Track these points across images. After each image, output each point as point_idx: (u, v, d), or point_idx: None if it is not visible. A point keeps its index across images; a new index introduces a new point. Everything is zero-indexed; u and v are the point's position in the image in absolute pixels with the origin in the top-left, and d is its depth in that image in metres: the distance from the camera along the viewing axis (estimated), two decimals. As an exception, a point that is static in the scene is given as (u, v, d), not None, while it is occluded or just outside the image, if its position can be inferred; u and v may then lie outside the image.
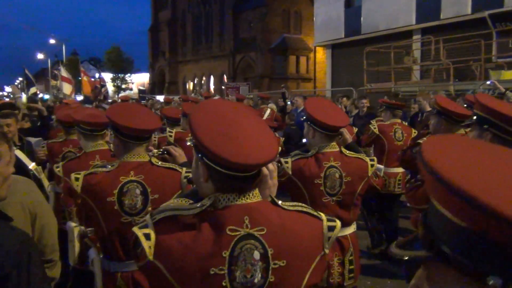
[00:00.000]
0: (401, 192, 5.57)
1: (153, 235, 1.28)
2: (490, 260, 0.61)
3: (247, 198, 1.33)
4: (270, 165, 1.52)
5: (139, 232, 1.29)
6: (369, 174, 2.92)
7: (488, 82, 9.69)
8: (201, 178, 1.36)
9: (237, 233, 1.28)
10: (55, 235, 2.52)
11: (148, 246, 1.27)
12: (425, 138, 3.59)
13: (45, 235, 2.40)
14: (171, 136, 4.94)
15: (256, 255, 1.28)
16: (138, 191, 2.36)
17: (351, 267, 2.93)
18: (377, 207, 5.66)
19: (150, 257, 1.26)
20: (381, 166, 4.70)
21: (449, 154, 0.71)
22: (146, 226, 1.30)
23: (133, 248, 1.32)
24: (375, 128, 5.47)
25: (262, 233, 1.30)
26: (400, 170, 5.48)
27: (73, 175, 2.36)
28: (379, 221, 5.71)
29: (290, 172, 2.82)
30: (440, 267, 0.69)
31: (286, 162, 2.84)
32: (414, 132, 5.71)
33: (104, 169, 2.37)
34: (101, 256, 2.49)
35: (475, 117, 2.42)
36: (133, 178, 2.36)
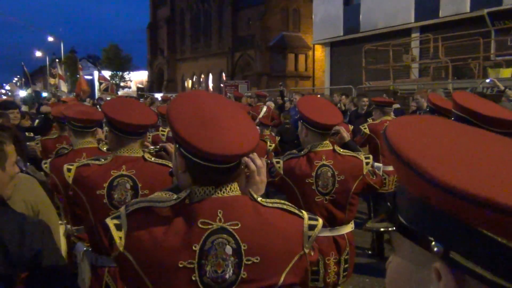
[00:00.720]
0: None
1: (124, 226, 1.26)
2: (434, 228, 0.63)
3: (223, 192, 1.30)
4: (258, 162, 1.50)
5: (110, 223, 1.27)
6: (364, 172, 2.87)
7: (488, 80, 9.69)
8: (179, 169, 1.34)
9: (209, 226, 1.25)
10: (57, 232, 2.55)
11: (118, 237, 1.25)
12: None
13: None
14: (163, 135, 4.93)
15: (228, 249, 1.25)
16: (128, 186, 2.35)
17: (346, 265, 2.92)
18: (375, 205, 5.64)
19: (121, 248, 1.25)
20: (379, 165, 4.68)
21: (409, 128, 0.74)
22: (118, 217, 1.28)
23: (109, 239, 1.30)
24: (365, 128, 5.45)
25: (235, 227, 1.26)
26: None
27: (65, 166, 2.35)
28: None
29: (282, 172, 2.80)
30: (400, 238, 0.71)
31: (278, 162, 2.82)
32: None
33: (97, 162, 2.36)
34: (90, 250, 2.48)
35: (453, 118, 2.39)
36: (124, 173, 2.35)
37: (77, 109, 3.25)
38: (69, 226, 2.87)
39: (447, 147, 0.68)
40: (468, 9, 15.71)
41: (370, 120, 5.81)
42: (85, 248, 2.52)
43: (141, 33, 64.89)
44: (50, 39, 45.68)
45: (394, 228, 0.72)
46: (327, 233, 2.83)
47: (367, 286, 4.82)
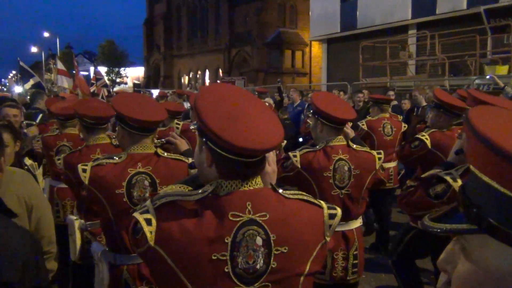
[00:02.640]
0: (393, 187, 5.59)
1: (154, 221, 1.26)
2: None
3: (249, 185, 1.31)
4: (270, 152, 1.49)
5: (140, 217, 1.27)
6: (377, 167, 2.92)
7: (488, 77, 9.72)
8: (204, 163, 1.34)
9: (240, 218, 1.26)
10: (51, 227, 2.51)
11: (149, 231, 1.25)
12: (423, 133, 3.60)
13: (41, 227, 2.40)
14: (178, 128, 4.95)
15: (259, 240, 1.27)
16: (147, 183, 2.35)
17: (355, 261, 2.91)
18: (370, 201, 5.67)
19: (151, 243, 1.25)
20: None
21: (497, 121, 0.69)
22: (147, 212, 1.28)
23: (132, 234, 1.30)
24: (363, 125, 5.45)
25: (264, 219, 1.28)
26: (392, 164, 5.49)
27: (80, 167, 2.33)
28: (375, 214, 5.75)
29: (299, 166, 2.80)
30: (483, 240, 0.67)
31: (295, 156, 2.81)
32: (404, 126, 5.71)
33: (111, 161, 2.34)
34: (107, 249, 2.47)
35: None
36: (141, 170, 2.34)
37: (89, 106, 3.24)
38: (82, 221, 2.88)
39: None
40: (464, 6, 15.74)
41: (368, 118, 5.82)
42: (102, 249, 2.50)
43: (137, 29, 64.56)
44: (46, 34, 45.48)
45: (478, 229, 0.68)
46: (338, 228, 2.84)
47: (363, 282, 4.86)
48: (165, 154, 2.46)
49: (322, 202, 1.44)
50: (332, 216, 1.41)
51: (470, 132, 0.68)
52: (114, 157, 2.37)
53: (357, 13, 20.47)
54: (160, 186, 2.36)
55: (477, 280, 0.70)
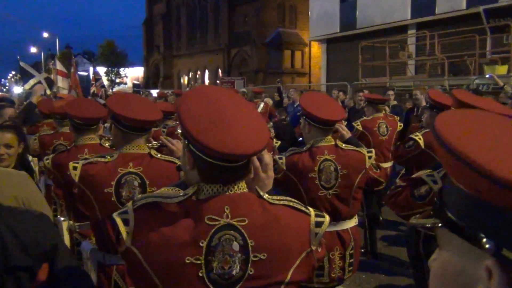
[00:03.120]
0: (378, 188, 5.54)
1: (132, 221, 1.26)
2: (485, 224, 0.61)
3: (231, 190, 1.29)
4: (266, 158, 1.48)
5: (117, 218, 1.27)
6: (367, 166, 2.90)
7: (487, 76, 9.72)
8: (187, 166, 1.33)
9: (216, 222, 1.24)
10: None
11: (126, 231, 1.25)
12: (417, 133, 3.60)
13: None
14: (164, 131, 4.92)
15: (235, 246, 1.25)
16: (136, 183, 2.33)
17: (351, 260, 2.93)
18: (366, 201, 5.64)
19: (128, 243, 1.25)
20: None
21: (458, 122, 0.72)
22: (125, 212, 1.28)
23: (116, 235, 1.29)
24: (358, 125, 5.43)
25: (243, 224, 1.26)
26: (387, 164, 5.46)
27: (71, 164, 2.32)
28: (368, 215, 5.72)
29: (284, 167, 2.82)
30: (448, 234, 0.69)
31: (281, 158, 2.84)
32: (400, 126, 5.69)
33: (103, 159, 2.33)
34: (96, 248, 2.47)
35: None
36: (132, 170, 2.32)
37: (78, 106, 3.22)
38: (71, 222, 2.86)
39: (498, 140, 0.66)
40: (464, 6, 15.75)
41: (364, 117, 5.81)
42: (91, 247, 2.50)
43: (137, 29, 64.59)
44: (45, 35, 45.48)
45: (442, 224, 0.71)
46: (331, 228, 2.82)
47: (363, 283, 4.85)
48: (158, 155, 2.43)
49: (310, 209, 1.41)
50: (318, 224, 1.37)
51: (433, 134, 0.71)
52: (106, 156, 2.36)
53: (357, 13, 20.49)
54: (150, 187, 2.34)
55: (444, 271, 0.72)
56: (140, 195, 1.40)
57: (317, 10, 23.40)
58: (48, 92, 11.13)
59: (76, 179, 2.30)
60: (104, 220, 2.31)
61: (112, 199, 2.29)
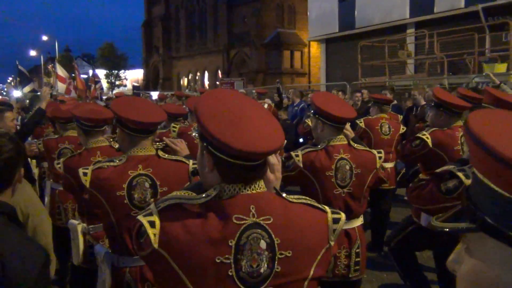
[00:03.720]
0: (389, 188, 5.56)
1: (158, 223, 1.26)
2: None
3: (252, 189, 1.31)
4: (273, 159, 1.50)
5: (144, 220, 1.27)
6: (377, 166, 2.95)
7: (484, 74, 9.75)
8: (206, 168, 1.34)
9: (244, 221, 1.26)
10: (48, 235, 2.50)
11: (153, 233, 1.24)
12: (424, 132, 3.62)
13: (38, 235, 2.39)
14: (174, 131, 4.92)
15: (263, 244, 1.27)
16: (147, 185, 2.36)
17: (357, 259, 2.94)
18: (378, 201, 5.66)
19: (155, 245, 1.24)
20: None
21: (495, 125, 0.71)
22: (150, 214, 1.29)
23: (136, 237, 1.30)
24: (361, 123, 5.47)
25: (268, 222, 1.28)
26: (389, 165, 5.49)
27: (81, 170, 2.35)
28: (371, 216, 5.75)
29: (301, 165, 2.83)
30: (481, 238, 0.68)
31: (297, 156, 2.85)
32: (403, 129, 5.74)
33: (112, 163, 2.36)
34: (110, 251, 2.48)
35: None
36: (142, 172, 2.36)
37: (86, 109, 3.24)
38: (84, 224, 2.88)
39: None
40: (462, 5, 15.78)
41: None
42: (105, 250, 2.51)
43: (136, 31, 64.63)
44: (45, 38, 45.53)
45: (476, 228, 0.69)
46: None
47: (365, 282, 4.87)
48: (166, 155, 2.47)
49: (325, 206, 1.43)
50: (336, 221, 1.40)
51: (467, 135, 0.70)
52: (115, 160, 2.39)
53: (355, 12, 20.51)
54: (161, 188, 2.38)
55: (477, 279, 0.71)
56: (162, 197, 1.39)
57: (315, 10, 23.42)
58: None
59: (87, 185, 2.32)
60: (118, 222, 2.33)
61: (125, 202, 2.32)
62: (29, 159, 4.82)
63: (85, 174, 2.33)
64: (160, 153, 2.46)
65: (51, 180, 4.42)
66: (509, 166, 0.61)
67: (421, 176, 2.45)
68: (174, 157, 2.48)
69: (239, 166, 1.27)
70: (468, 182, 2.06)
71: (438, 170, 2.38)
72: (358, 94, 8.30)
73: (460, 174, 2.11)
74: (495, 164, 0.63)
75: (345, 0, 21.65)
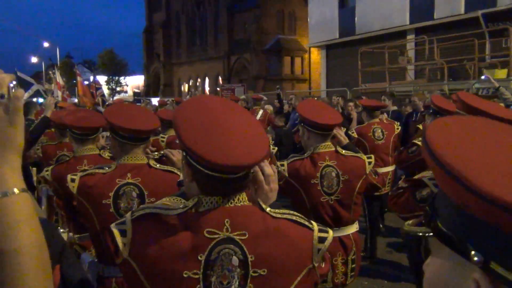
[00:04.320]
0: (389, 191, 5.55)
1: (129, 232, 1.23)
2: (473, 236, 0.61)
3: (231, 203, 1.25)
4: (268, 170, 1.45)
5: (115, 229, 1.24)
6: (367, 172, 2.93)
7: (483, 77, 9.73)
8: (186, 178, 1.31)
9: (216, 236, 1.21)
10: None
11: (123, 243, 1.22)
12: (420, 138, 3.61)
13: None
14: (163, 141, 4.86)
15: (235, 260, 1.21)
16: (134, 194, 2.31)
17: (353, 265, 2.94)
18: (367, 207, 5.64)
19: (125, 255, 1.22)
20: None
21: (449, 132, 0.71)
22: (123, 223, 1.25)
23: (114, 247, 1.27)
24: (353, 133, 5.47)
25: (243, 238, 1.22)
26: (389, 169, 5.48)
27: (69, 176, 2.31)
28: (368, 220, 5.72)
29: (287, 174, 2.83)
30: (438, 242, 0.68)
31: (282, 165, 2.85)
32: (397, 129, 5.70)
33: (101, 171, 2.32)
34: (96, 261, 2.45)
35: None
36: (130, 181, 2.31)
37: (76, 116, 3.20)
38: (71, 234, 2.86)
39: (489, 153, 0.65)
40: (462, 11, 15.80)
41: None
42: (90, 259, 2.48)
43: (137, 37, 64.84)
44: (46, 44, 45.65)
45: (432, 233, 0.70)
46: (333, 234, 2.84)
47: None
48: (157, 165, 2.41)
49: (314, 223, 1.35)
50: (322, 240, 1.32)
51: (423, 141, 0.70)
52: (104, 167, 2.35)
53: (355, 19, 20.56)
54: (149, 198, 2.33)
55: (434, 284, 0.72)
56: (139, 206, 1.36)
57: (316, 16, 23.49)
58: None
59: (74, 191, 2.29)
60: (104, 232, 2.29)
61: (111, 211, 2.27)
62: (29, 166, 4.80)
63: (72, 180, 2.29)
64: (152, 162, 2.41)
65: (48, 186, 4.40)
66: (455, 179, 0.61)
67: (400, 183, 2.43)
68: (165, 168, 2.42)
69: (217, 178, 1.22)
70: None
71: (416, 177, 2.38)
72: (351, 104, 8.29)
73: (429, 183, 2.12)
74: (445, 175, 0.63)
75: (345, 7, 21.73)
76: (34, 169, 5.31)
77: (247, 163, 1.21)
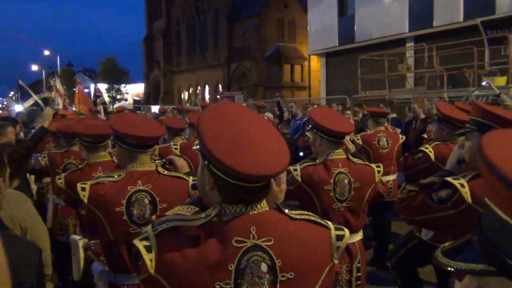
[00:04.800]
0: (392, 199, 5.49)
1: (154, 247, 1.22)
2: None
3: (254, 210, 1.26)
4: None
5: (139, 244, 1.22)
6: (376, 180, 2.96)
7: (484, 83, 9.75)
8: (206, 186, 1.29)
9: (244, 244, 1.21)
10: (47, 249, 2.47)
11: (149, 259, 1.20)
12: (427, 145, 3.63)
13: None
14: (176, 148, 4.87)
15: (264, 267, 1.21)
16: (146, 201, 2.34)
17: (359, 274, 2.93)
18: (371, 215, 5.64)
19: (152, 271, 1.20)
20: None
21: (504, 145, 0.65)
22: (147, 238, 1.24)
23: (135, 260, 1.26)
24: (358, 139, 5.45)
25: (269, 243, 1.23)
26: (391, 177, 5.49)
27: (79, 185, 2.33)
28: (373, 229, 5.72)
29: (300, 180, 2.83)
30: (502, 283, 0.61)
31: (295, 170, 2.84)
32: (402, 138, 5.72)
33: (111, 179, 2.35)
34: (107, 268, 2.46)
35: (472, 125, 2.39)
36: (141, 188, 2.34)
37: (87, 124, 3.23)
38: (86, 240, 2.88)
39: None
40: (461, 19, 15.88)
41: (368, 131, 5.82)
42: (101, 268, 2.49)
43: (137, 46, 65.03)
44: (46, 52, 45.77)
45: (497, 271, 0.62)
46: None
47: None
48: (166, 172, 2.45)
49: (329, 222, 1.38)
50: (339, 238, 1.35)
51: (484, 166, 0.63)
52: (114, 175, 2.37)
53: (355, 27, 20.65)
54: (160, 204, 2.36)
55: None
56: (158, 219, 1.34)
57: (315, 24, 23.60)
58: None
59: (85, 200, 2.29)
60: (116, 239, 2.31)
61: (124, 218, 2.30)
62: (27, 174, 4.82)
63: (83, 189, 2.31)
64: (160, 169, 2.44)
65: (54, 195, 4.42)
66: None
67: (408, 187, 2.41)
68: (173, 174, 2.45)
69: (241, 187, 1.22)
70: (464, 190, 2.02)
71: (425, 181, 2.36)
72: (348, 112, 8.31)
73: (455, 183, 2.07)
74: None
75: (345, 15, 21.83)
76: (32, 176, 5.33)
77: (271, 173, 1.22)
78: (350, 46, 20.71)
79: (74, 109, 12.71)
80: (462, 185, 2.05)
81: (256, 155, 1.21)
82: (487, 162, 0.61)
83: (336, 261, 1.34)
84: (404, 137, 5.87)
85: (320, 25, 23.00)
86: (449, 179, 2.11)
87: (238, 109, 1.38)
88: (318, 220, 1.36)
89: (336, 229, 1.37)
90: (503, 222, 0.60)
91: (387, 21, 18.63)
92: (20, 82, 12.51)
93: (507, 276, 0.60)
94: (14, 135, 4.78)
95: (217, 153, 1.18)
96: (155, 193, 2.36)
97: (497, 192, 0.60)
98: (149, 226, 1.28)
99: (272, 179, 1.40)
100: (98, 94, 14.20)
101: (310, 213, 1.38)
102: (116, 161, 3.20)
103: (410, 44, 17.73)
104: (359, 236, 3.01)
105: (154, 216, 2.26)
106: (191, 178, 2.44)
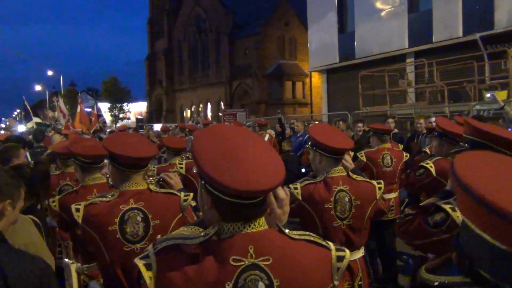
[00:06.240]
0: (394, 217, 5.43)
1: (154, 265, 1.24)
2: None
3: (252, 228, 1.27)
4: (281, 193, 1.48)
5: (139, 263, 1.25)
6: (377, 197, 2.93)
7: (488, 95, 9.73)
8: (205, 205, 1.32)
9: (241, 263, 1.22)
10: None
11: (148, 277, 1.23)
12: (427, 161, 3.61)
13: None
14: (181, 167, 4.84)
15: (261, 286, 1.22)
16: (139, 218, 2.36)
17: None
18: (373, 233, 5.57)
19: None
20: None
21: (483, 171, 0.68)
22: (147, 257, 1.27)
23: (137, 279, 1.28)
24: (362, 156, 5.38)
25: (267, 263, 1.24)
26: (393, 195, 5.42)
27: (73, 206, 2.36)
28: (377, 248, 5.65)
29: (300, 198, 2.81)
30: None
31: (296, 188, 2.83)
32: (406, 156, 5.64)
33: (104, 199, 2.38)
34: None
35: (466, 144, 2.38)
36: (133, 206, 2.37)
37: (83, 145, 3.22)
38: (79, 264, 2.85)
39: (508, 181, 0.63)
40: (460, 34, 15.97)
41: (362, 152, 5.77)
42: (99, 286, 2.50)
43: (139, 65, 65.69)
44: (50, 73, 46.15)
45: (471, 282, 0.65)
46: None
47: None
48: (157, 189, 2.48)
49: (330, 243, 1.38)
50: (340, 259, 1.36)
51: (456, 185, 0.66)
52: (107, 195, 2.40)
53: (355, 43, 20.78)
54: (153, 221, 2.39)
55: None
56: (161, 237, 1.37)
57: (316, 41, 23.77)
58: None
59: (80, 220, 2.33)
60: (112, 259, 2.32)
61: (117, 236, 2.32)
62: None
63: (77, 210, 2.34)
64: (152, 187, 2.47)
65: (51, 217, 4.39)
66: (510, 221, 0.58)
67: (406, 211, 2.39)
68: (165, 190, 2.50)
69: (238, 205, 1.24)
70: (455, 214, 2.01)
71: (423, 203, 2.34)
72: (360, 124, 8.29)
73: (446, 207, 2.06)
74: (493, 218, 0.60)
75: (345, 32, 22.00)
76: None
77: (266, 188, 1.24)
78: (351, 62, 20.83)
79: (76, 129, 12.77)
80: (453, 209, 2.05)
81: (250, 171, 1.23)
82: (459, 181, 0.64)
83: (336, 283, 1.34)
84: (408, 155, 5.81)
85: (321, 42, 23.17)
86: (439, 203, 2.10)
87: (230, 129, 1.42)
88: (319, 240, 1.37)
89: (337, 250, 1.37)
90: (476, 235, 0.64)
91: (387, 37, 18.75)
92: (26, 102, 12.64)
93: (480, 286, 0.63)
94: (22, 156, 4.79)
95: (211, 172, 1.21)
96: (148, 210, 2.39)
97: (469, 208, 0.64)
98: (151, 245, 1.31)
99: (275, 202, 1.44)
100: (99, 113, 14.29)
101: (311, 233, 1.38)
102: (110, 183, 3.19)
103: (410, 60, 17.80)
104: (360, 253, 2.97)
105: (141, 230, 2.30)
106: (182, 194, 2.47)
